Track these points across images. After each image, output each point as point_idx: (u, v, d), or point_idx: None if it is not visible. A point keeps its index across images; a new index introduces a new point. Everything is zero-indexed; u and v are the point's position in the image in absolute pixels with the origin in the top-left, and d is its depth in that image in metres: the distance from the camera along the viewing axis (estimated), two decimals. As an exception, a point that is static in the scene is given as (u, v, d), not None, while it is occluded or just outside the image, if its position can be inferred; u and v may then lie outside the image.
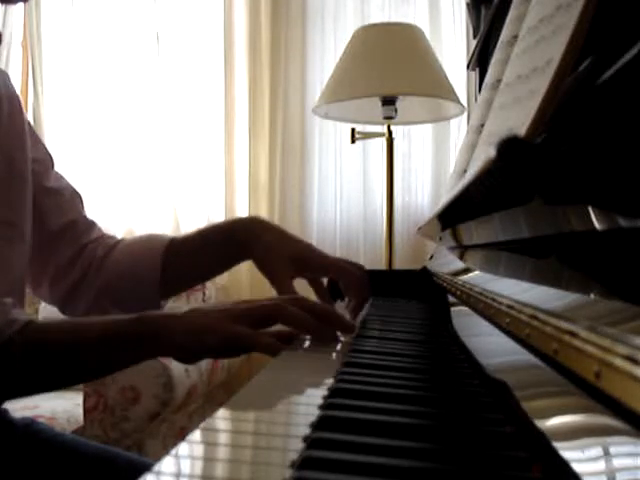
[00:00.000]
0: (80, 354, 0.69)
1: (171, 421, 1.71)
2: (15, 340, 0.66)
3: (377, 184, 2.33)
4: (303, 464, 0.32)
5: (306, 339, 0.70)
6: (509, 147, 0.37)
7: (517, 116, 0.47)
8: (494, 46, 0.82)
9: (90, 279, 0.92)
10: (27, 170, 0.86)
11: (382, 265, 2.07)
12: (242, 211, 2.42)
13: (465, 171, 0.74)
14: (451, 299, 0.81)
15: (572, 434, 0.30)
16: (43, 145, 0.96)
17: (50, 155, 0.96)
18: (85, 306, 0.92)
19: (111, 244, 0.96)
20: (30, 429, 0.88)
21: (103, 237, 0.97)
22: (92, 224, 0.97)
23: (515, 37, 0.66)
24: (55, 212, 0.91)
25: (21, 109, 0.90)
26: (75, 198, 0.96)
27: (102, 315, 0.79)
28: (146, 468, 0.31)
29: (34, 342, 0.67)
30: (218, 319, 0.66)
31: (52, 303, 0.96)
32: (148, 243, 0.95)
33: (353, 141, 2.04)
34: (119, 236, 1.01)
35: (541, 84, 0.42)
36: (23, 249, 0.84)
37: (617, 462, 0.26)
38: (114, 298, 0.92)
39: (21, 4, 2.52)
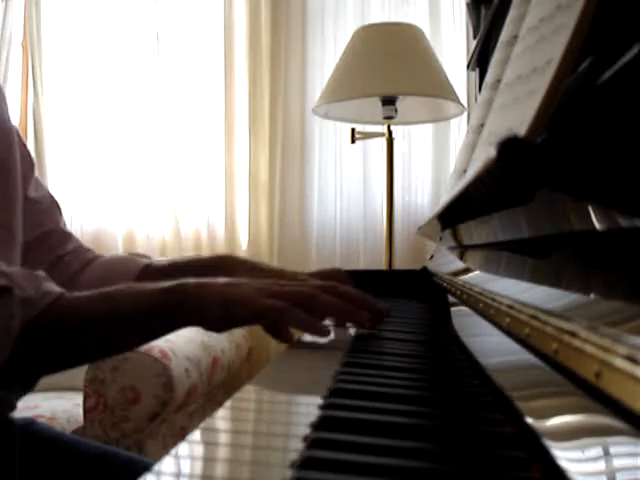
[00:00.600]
0: (110, 327, 0.68)
1: (171, 421, 1.70)
2: (47, 313, 0.65)
3: (377, 184, 2.33)
4: (303, 464, 0.32)
5: (306, 339, 0.70)
6: (509, 147, 0.37)
7: (517, 116, 0.47)
8: (494, 46, 0.82)
9: None
10: (17, 173, 0.86)
11: (382, 265, 2.07)
12: (242, 211, 2.42)
13: (465, 171, 0.74)
14: (451, 299, 0.81)
15: (572, 434, 0.30)
16: (26, 148, 0.94)
17: (32, 159, 0.95)
18: None
19: (87, 259, 0.95)
20: (30, 429, 0.88)
21: (80, 250, 0.96)
22: (69, 235, 0.96)
23: (515, 37, 0.66)
24: (32, 222, 0.89)
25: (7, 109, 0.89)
26: (53, 207, 0.96)
27: None
28: (146, 468, 0.31)
29: (65, 315, 0.67)
30: (252, 294, 0.66)
31: None
32: (124, 265, 0.94)
33: (353, 141, 2.04)
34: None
35: (541, 84, 0.42)
36: (17, 253, 0.84)
37: (617, 462, 0.26)
38: None
39: (21, 2, 2.52)
